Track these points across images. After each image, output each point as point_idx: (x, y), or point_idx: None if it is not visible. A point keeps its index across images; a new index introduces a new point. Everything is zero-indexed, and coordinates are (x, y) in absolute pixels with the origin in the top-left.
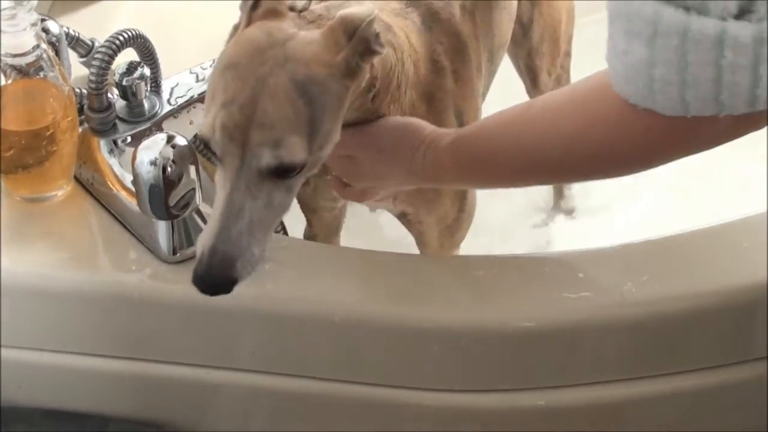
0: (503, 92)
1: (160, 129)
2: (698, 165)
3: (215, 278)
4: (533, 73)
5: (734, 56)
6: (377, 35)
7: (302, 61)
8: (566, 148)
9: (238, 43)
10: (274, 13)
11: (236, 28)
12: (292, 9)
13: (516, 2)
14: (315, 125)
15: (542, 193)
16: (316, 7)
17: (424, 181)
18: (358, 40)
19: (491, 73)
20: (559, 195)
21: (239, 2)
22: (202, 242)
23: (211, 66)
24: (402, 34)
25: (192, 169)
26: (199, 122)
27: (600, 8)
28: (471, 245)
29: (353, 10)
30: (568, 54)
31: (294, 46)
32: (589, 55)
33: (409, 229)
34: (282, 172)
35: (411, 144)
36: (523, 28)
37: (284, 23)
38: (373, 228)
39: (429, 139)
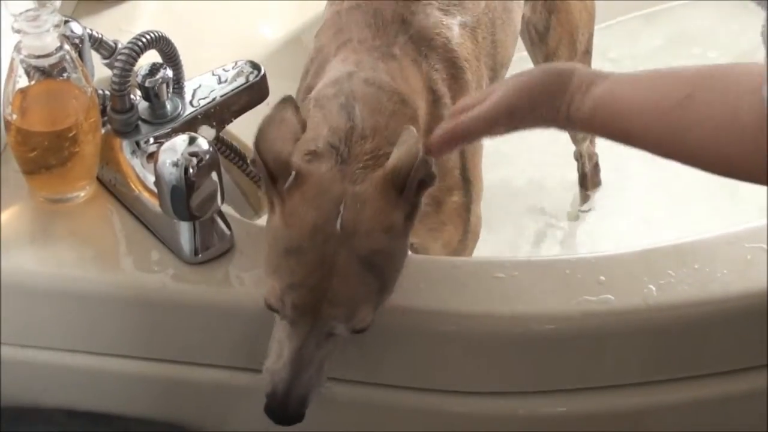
0: None
1: (182, 130)
2: None
3: (290, 415)
4: None
5: None
6: (428, 167)
7: (363, 234)
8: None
9: (291, 225)
10: (306, 176)
11: (269, 198)
12: (297, 139)
13: (520, 17)
14: (385, 289)
15: (560, 194)
16: (339, 124)
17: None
18: (410, 188)
19: None
20: (583, 197)
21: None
22: (274, 381)
23: (233, 68)
24: (402, 83)
25: (214, 171)
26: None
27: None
28: (489, 245)
29: (398, 157)
30: (587, 52)
31: (350, 217)
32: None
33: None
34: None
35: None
36: (540, 35)
37: (325, 180)
38: None
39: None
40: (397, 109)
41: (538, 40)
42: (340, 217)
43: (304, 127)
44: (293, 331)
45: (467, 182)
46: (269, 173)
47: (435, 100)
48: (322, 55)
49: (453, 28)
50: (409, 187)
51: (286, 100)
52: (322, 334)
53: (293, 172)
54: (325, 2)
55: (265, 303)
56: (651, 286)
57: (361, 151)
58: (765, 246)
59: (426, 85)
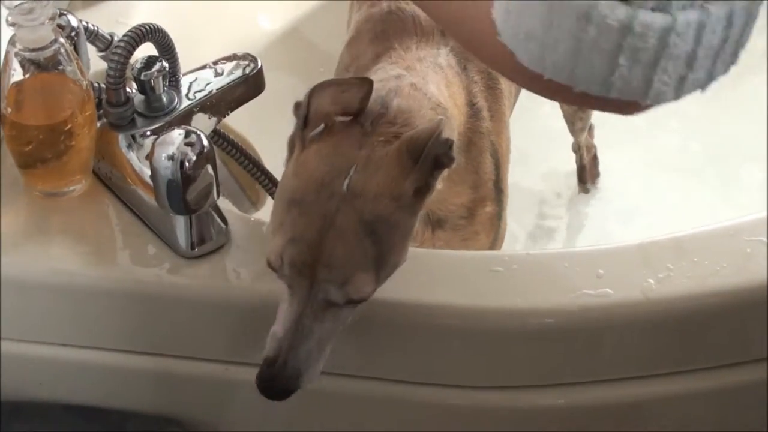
0: None
1: (178, 124)
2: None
3: (280, 388)
4: None
5: (598, 35)
6: (448, 146)
7: (369, 197)
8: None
9: (299, 176)
10: (331, 131)
11: (291, 141)
12: (346, 113)
13: None
14: (383, 261)
15: (559, 187)
16: (376, 108)
17: None
18: (425, 160)
19: (519, 88)
20: (582, 190)
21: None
22: (270, 349)
23: (230, 61)
24: (447, 97)
25: (210, 164)
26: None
27: None
28: None
29: (417, 129)
30: None
31: (359, 179)
32: None
33: None
34: (348, 303)
35: None
36: None
37: (344, 143)
38: None
39: None
40: (435, 118)
41: None
42: (349, 177)
43: (360, 111)
44: (292, 296)
45: (499, 191)
46: (305, 117)
47: (474, 113)
48: (360, 63)
49: None
50: (425, 159)
51: (367, 82)
52: (319, 302)
53: (323, 124)
54: (350, 10)
55: (267, 262)
56: (650, 280)
57: (385, 131)
58: (765, 239)
59: (467, 100)
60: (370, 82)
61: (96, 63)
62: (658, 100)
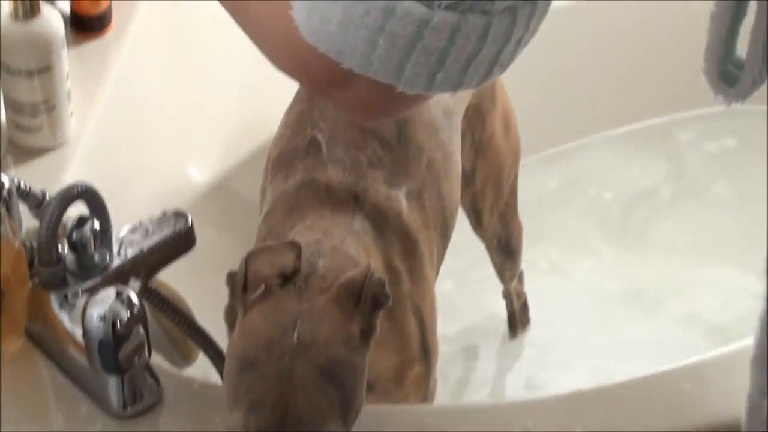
0: None
1: (110, 282)
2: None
3: None
4: (477, 213)
5: (365, 13)
6: (382, 285)
7: (321, 345)
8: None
9: (246, 338)
10: (270, 293)
11: (230, 310)
12: (282, 276)
13: (459, 155)
14: (348, 405)
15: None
16: (305, 269)
17: None
18: (365, 301)
19: (445, 247)
20: (512, 333)
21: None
22: None
23: (160, 218)
24: (365, 260)
25: (141, 323)
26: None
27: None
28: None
29: (350, 273)
30: (513, 193)
31: (307, 330)
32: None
33: None
34: None
35: None
36: (466, 176)
37: (285, 300)
38: None
39: None
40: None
41: (465, 182)
42: (297, 330)
43: (295, 272)
44: None
45: (426, 351)
46: (245, 282)
47: (394, 277)
48: (277, 232)
49: (401, 200)
50: (365, 299)
51: (296, 245)
52: None
53: (263, 286)
54: (264, 176)
55: None
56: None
57: (319, 285)
58: (692, 386)
59: (386, 264)
60: (299, 245)
61: (28, 220)
62: (411, 87)
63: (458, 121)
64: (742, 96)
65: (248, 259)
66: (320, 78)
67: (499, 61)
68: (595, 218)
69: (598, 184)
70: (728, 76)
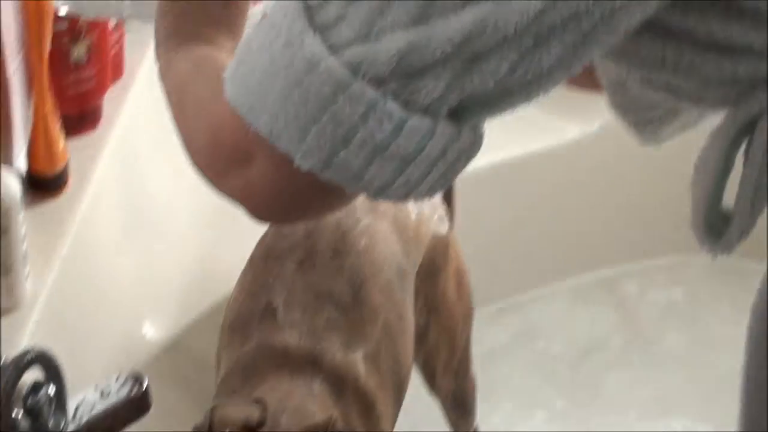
0: None
1: None
2: None
3: None
4: (431, 370)
5: (349, 108)
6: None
7: None
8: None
9: None
10: None
11: None
12: (247, 427)
13: (412, 314)
14: None
15: None
16: (268, 424)
17: None
18: None
19: (399, 405)
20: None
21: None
22: None
23: (115, 381)
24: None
25: None
26: None
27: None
28: None
29: (315, 419)
30: (466, 350)
31: None
32: None
33: None
34: None
35: None
36: (420, 334)
37: None
38: None
39: None
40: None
41: (418, 338)
42: None
43: (260, 425)
44: None
45: None
46: (210, 428)
47: None
48: (237, 396)
49: (358, 364)
50: None
51: (262, 401)
52: None
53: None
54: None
55: None
56: None
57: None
58: None
59: (345, 425)
60: (265, 400)
61: None
62: (307, 159)
63: (411, 281)
64: (729, 248)
65: (214, 410)
66: (225, 151)
67: (408, 173)
68: (547, 371)
69: (548, 337)
70: (714, 228)
